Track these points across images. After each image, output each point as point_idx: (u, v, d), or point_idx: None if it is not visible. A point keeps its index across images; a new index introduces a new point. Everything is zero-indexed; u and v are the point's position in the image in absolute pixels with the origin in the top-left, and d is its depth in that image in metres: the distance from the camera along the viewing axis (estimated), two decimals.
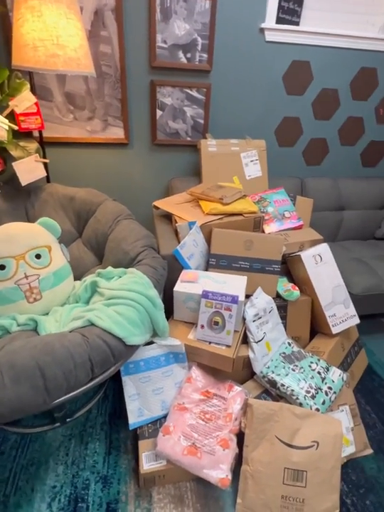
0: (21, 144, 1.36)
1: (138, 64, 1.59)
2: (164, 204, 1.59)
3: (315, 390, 1.13)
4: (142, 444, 1.06)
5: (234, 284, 1.26)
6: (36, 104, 1.30)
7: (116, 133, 1.73)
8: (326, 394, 1.13)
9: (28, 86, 1.29)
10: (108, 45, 1.52)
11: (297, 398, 1.10)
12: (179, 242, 1.39)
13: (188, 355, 1.19)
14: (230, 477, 0.96)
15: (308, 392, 1.12)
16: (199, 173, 1.80)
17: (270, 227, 1.57)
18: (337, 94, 1.85)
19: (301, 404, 1.09)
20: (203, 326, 1.18)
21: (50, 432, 1.21)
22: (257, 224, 1.48)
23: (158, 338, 1.17)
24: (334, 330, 1.34)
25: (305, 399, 1.10)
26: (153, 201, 1.95)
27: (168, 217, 1.66)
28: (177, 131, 1.78)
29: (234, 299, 1.14)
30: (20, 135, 1.37)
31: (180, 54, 1.60)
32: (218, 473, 0.96)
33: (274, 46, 1.68)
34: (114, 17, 1.47)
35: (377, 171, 2.12)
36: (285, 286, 1.39)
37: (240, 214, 1.46)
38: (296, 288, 1.38)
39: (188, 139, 1.81)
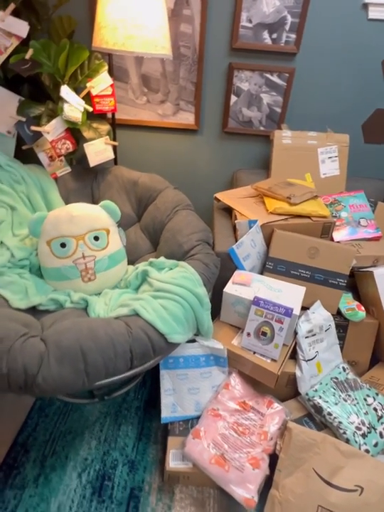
0: (94, 125, 1.38)
1: (218, 45, 1.50)
2: (226, 197, 1.52)
3: (368, 427, 0.99)
4: (171, 440, 1.05)
5: (290, 293, 1.15)
6: (112, 86, 1.30)
7: (187, 118, 1.67)
8: (381, 436, 0.99)
9: (106, 67, 1.29)
10: (189, 24, 1.45)
11: (345, 433, 0.98)
12: (236, 240, 1.32)
13: (230, 361, 1.14)
14: (256, 499, 0.91)
15: (358, 428, 0.99)
16: (268, 167, 1.68)
17: (341, 235, 1.40)
18: None
19: (348, 441, 0.98)
20: (249, 334, 1.11)
21: (89, 406, 1.27)
22: (326, 230, 1.33)
23: (201, 338, 1.13)
24: None
25: (354, 435, 0.98)
26: (216, 192, 1.89)
27: (228, 211, 1.59)
28: (250, 120, 1.66)
29: (287, 312, 1.05)
30: (93, 116, 1.40)
31: (265, 34, 1.46)
32: (244, 492, 0.91)
33: (377, 25, 1.44)
34: None
35: None
36: (349, 304, 1.24)
37: (308, 216, 1.33)
38: (362, 308, 1.22)
39: (262, 128, 1.68)
